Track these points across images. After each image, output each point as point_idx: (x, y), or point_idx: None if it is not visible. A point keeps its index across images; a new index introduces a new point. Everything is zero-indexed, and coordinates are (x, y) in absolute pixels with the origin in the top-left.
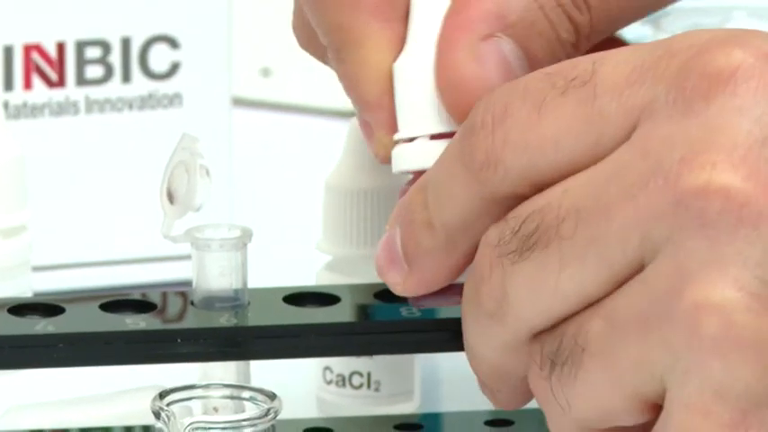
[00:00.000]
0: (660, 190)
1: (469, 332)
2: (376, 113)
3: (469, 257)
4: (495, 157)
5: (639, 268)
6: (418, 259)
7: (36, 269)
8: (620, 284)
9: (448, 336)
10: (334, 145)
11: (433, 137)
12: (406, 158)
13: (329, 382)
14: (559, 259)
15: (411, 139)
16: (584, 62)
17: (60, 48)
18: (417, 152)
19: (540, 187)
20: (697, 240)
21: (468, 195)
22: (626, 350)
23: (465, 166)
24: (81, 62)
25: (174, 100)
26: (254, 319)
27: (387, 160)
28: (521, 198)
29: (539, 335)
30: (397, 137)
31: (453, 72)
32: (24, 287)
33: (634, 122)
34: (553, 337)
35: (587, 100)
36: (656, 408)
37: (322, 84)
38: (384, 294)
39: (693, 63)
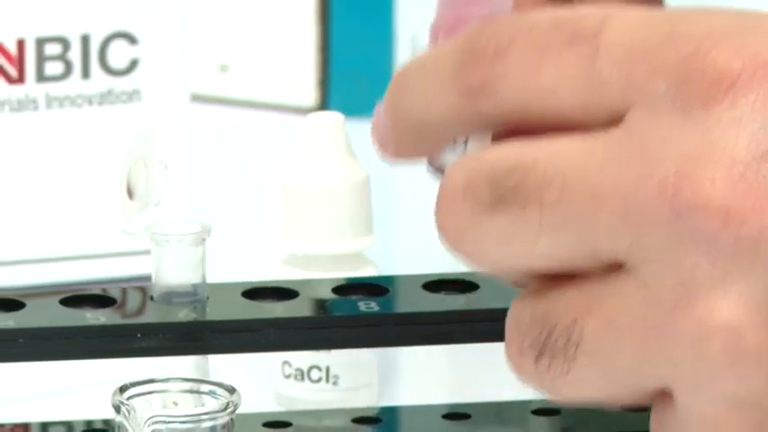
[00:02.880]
0: (656, 200)
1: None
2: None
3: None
4: (491, 87)
5: (622, 262)
6: (386, 142)
7: None
8: (600, 267)
9: (406, 330)
10: (291, 140)
11: None
12: None
13: (288, 377)
14: (538, 224)
15: None
16: (592, 17)
17: (20, 45)
18: None
19: (525, 131)
20: (698, 256)
21: (449, 106)
22: (624, 354)
23: (457, 80)
24: (41, 59)
25: (132, 96)
26: (213, 313)
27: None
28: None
29: (512, 314)
30: None
31: None
32: None
33: (630, 101)
34: (537, 325)
35: (589, 58)
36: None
37: (279, 80)
38: (342, 289)
39: (693, 64)
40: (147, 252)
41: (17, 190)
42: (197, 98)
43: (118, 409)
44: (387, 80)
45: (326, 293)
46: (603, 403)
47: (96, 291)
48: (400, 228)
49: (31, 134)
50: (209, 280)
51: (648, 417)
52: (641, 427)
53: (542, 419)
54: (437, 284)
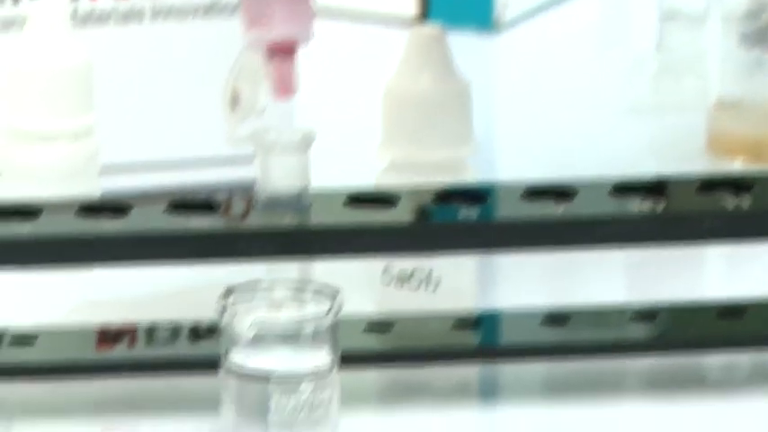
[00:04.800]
0: None
1: None
2: None
3: None
4: None
5: None
6: None
7: (104, 171)
8: None
9: (505, 236)
10: (393, 51)
11: None
12: None
13: (390, 281)
14: None
15: None
16: None
17: None
18: None
19: None
20: None
21: None
22: None
23: None
24: None
25: (237, 8)
26: (317, 219)
27: None
28: None
29: None
30: None
31: None
32: (92, 188)
33: None
34: None
35: None
36: None
37: None
38: (443, 196)
39: None
40: (253, 158)
41: (125, 99)
42: None
43: (223, 313)
44: None
45: (427, 200)
46: None
47: (202, 196)
48: (500, 136)
49: (137, 45)
50: (313, 186)
51: (742, 325)
52: (736, 330)
53: (640, 324)
54: (536, 192)
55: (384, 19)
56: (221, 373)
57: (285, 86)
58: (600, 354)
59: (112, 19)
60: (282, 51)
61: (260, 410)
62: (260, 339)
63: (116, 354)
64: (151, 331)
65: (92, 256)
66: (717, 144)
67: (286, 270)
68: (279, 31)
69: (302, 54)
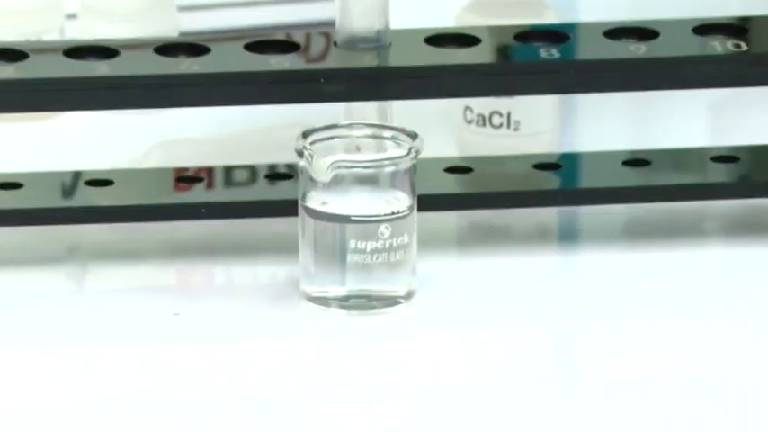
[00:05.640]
0: None
1: None
2: None
3: None
4: None
5: None
6: None
7: (182, 9)
8: None
9: (587, 77)
10: None
11: None
12: None
13: (469, 122)
14: None
15: None
16: None
17: None
18: None
19: None
20: None
21: None
22: None
23: None
24: None
25: None
26: (396, 59)
27: None
28: None
29: None
30: None
31: None
32: (170, 27)
33: None
34: None
35: None
36: None
37: None
38: (524, 36)
39: None
40: None
41: None
42: None
43: (301, 154)
44: None
45: (508, 40)
46: None
47: (280, 36)
48: None
49: None
50: (393, 26)
51: None
52: None
53: (721, 166)
54: (618, 32)
55: None
56: (299, 215)
57: None
58: (680, 196)
59: None
60: None
61: (338, 253)
62: (338, 182)
63: (193, 196)
64: (228, 173)
65: (169, 96)
66: None
67: (365, 111)
68: None
69: None
